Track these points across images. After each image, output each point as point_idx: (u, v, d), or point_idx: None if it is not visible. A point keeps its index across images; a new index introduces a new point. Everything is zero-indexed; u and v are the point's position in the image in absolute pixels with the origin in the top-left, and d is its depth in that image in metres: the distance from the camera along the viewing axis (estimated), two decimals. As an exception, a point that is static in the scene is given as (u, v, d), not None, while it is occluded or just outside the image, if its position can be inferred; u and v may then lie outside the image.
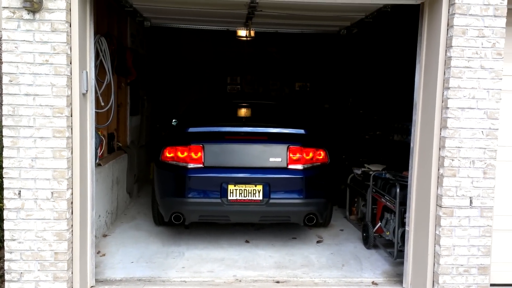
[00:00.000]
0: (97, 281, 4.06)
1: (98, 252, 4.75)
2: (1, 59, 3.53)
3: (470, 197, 3.69)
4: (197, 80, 10.45)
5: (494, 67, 3.62)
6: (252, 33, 6.89)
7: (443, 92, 3.69)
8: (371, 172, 5.44)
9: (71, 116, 3.53)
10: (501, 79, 3.64)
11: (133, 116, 7.13)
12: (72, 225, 3.62)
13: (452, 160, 3.66)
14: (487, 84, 3.63)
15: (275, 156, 4.83)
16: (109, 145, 5.70)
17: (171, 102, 10.23)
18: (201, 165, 4.77)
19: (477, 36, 3.59)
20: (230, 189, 4.69)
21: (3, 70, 3.38)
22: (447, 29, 3.65)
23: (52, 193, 3.47)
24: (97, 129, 4.59)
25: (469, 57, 3.60)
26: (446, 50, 3.66)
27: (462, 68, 3.60)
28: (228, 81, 10.78)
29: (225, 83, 10.74)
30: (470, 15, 3.56)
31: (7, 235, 3.49)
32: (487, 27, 3.59)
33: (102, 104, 4.79)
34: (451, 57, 3.59)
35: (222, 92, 10.64)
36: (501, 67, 3.63)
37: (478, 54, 3.60)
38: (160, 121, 8.61)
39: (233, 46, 10.08)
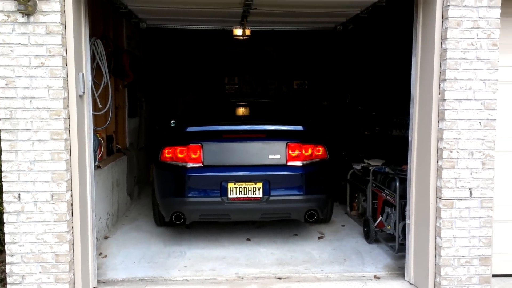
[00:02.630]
0: (99, 282, 4.07)
1: (100, 254, 4.75)
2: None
3: (469, 188, 3.69)
4: (195, 81, 10.44)
5: (490, 58, 3.62)
6: (248, 32, 6.91)
7: (439, 84, 3.69)
8: (370, 167, 5.44)
9: (69, 118, 3.53)
10: (497, 69, 3.65)
11: (132, 118, 7.13)
12: (72, 227, 3.62)
13: (451, 151, 3.66)
14: (483, 75, 3.63)
15: (274, 153, 4.83)
16: (108, 147, 5.70)
17: (169, 104, 10.23)
18: (200, 164, 4.77)
19: (472, 27, 3.59)
20: (230, 188, 4.69)
21: (-1, 74, 3.38)
22: (442, 21, 3.65)
23: (51, 195, 3.47)
24: (95, 132, 4.60)
25: (464, 49, 3.60)
26: (441, 42, 3.66)
27: (458, 59, 3.61)
28: (226, 81, 10.78)
29: (223, 83, 10.74)
30: (464, 6, 3.57)
31: (7, 238, 3.49)
32: (482, 18, 3.59)
33: (100, 106, 4.80)
34: (446, 49, 3.59)
35: (220, 92, 10.65)
36: (497, 57, 3.63)
37: (474, 45, 3.61)
38: (159, 123, 8.61)
39: (230, 47, 10.08)
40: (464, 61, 3.61)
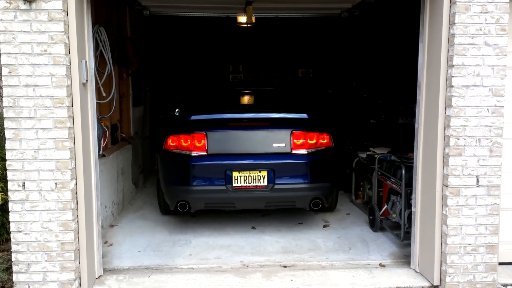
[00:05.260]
0: (105, 270, 4.08)
1: (106, 242, 4.77)
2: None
3: (476, 176, 3.65)
4: (199, 69, 10.40)
5: (499, 43, 3.55)
6: (253, 19, 6.83)
7: (447, 70, 3.63)
8: (376, 155, 5.40)
9: (72, 106, 3.51)
10: (505, 55, 3.58)
11: (136, 107, 7.11)
12: (77, 215, 3.61)
13: (458, 139, 3.61)
14: (491, 61, 3.57)
15: (278, 141, 4.80)
16: (112, 136, 5.69)
17: (174, 93, 10.20)
18: (204, 153, 4.75)
19: (480, 12, 3.52)
20: (235, 176, 4.67)
21: (2, 62, 3.35)
22: (450, 6, 3.58)
23: (56, 184, 3.47)
24: (99, 120, 4.58)
25: (472, 34, 3.54)
26: (449, 28, 3.59)
27: (466, 45, 3.54)
28: (230, 70, 10.73)
29: (227, 71, 10.68)
30: (472, -10, 3.50)
31: (13, 227, 3.50)
32: (490, 2, 3.52)
33: (104, 94, 4.77)
34: (454, 34, 3.53)
35: (224, 80, 10.61)
36: (506, 43, 3.57)
37: (482, 30, 3.54)
38: (163, 112, 8.59)
39: (234, 34, 10.01)
40: (472, 46, 3.54)
